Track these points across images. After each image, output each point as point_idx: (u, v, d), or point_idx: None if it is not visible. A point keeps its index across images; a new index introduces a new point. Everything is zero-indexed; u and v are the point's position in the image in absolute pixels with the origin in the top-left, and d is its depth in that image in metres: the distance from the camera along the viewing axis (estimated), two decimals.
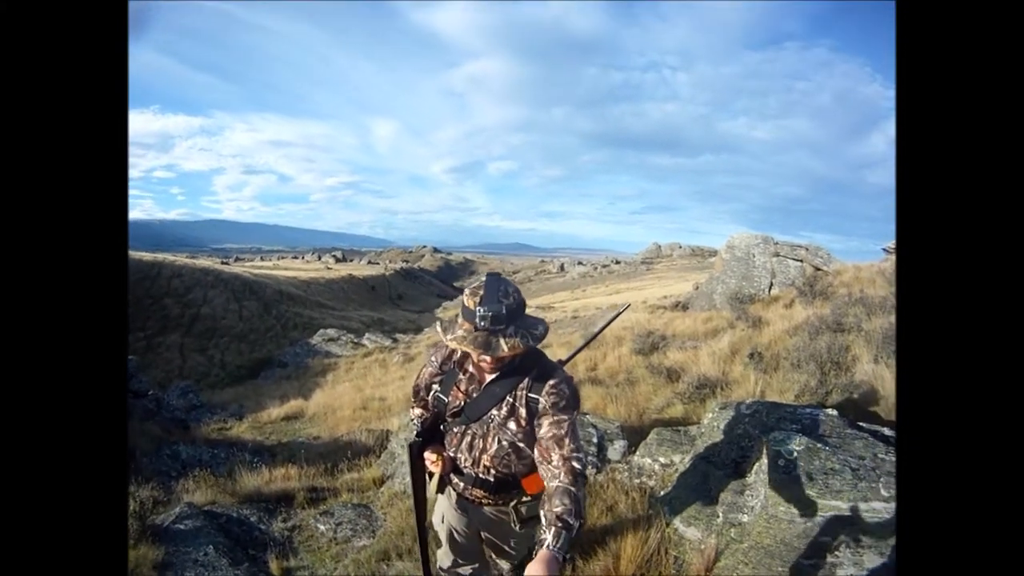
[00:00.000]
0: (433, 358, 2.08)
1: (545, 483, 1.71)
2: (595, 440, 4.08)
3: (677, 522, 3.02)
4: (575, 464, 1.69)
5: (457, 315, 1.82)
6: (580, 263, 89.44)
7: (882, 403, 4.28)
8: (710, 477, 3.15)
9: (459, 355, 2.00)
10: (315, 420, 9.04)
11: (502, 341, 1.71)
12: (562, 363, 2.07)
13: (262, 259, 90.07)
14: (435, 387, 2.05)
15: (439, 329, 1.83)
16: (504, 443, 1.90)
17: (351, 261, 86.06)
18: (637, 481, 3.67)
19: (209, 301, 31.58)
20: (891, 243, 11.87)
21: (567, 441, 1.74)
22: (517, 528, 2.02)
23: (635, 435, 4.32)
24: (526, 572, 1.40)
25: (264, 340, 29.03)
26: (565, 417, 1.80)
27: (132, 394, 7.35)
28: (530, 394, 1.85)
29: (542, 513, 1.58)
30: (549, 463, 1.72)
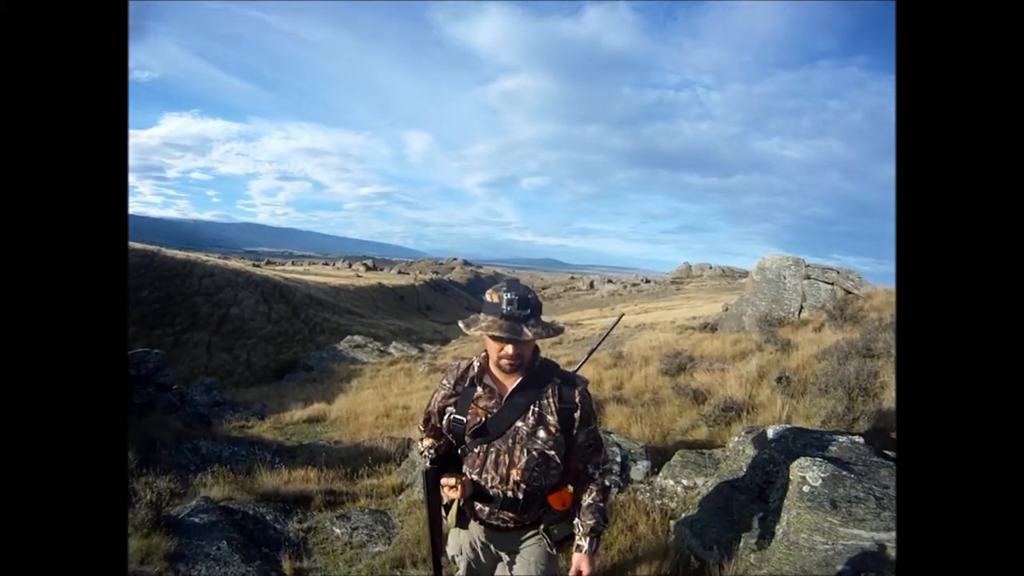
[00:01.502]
0: (445, 380, 2.07)
1: (578, 492, 2.01)
2: (619, 459, 4.07)
3: (697, 545, 2.99)
4: (606, 482, 2.00)
5: (478, 313, 1.91)
6: (610, 281, 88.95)
7: None
8: (733, 501, 3.13)
9: (475, 371, 1.99)
10: (337, 424, 9.08)
11: (525, 328, 1.80)
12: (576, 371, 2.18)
13: (293, 263, 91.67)
14: (450, 410, 2.02)
15: (462, 325, 1.90)
16: (534, 454, 1.90)
17: (381, 270, 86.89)
18: (659, 502, 3.65)
19: (239, 301, 32.11)
20: None
21: (602, 451, 2.02)
22: (552, 551, 2.04)
23: (659, 456, 4.31)
24: (574, 566, 1.89)
25: (291, 343, 29.44)
26: (596, 425, 2.01)
27: (156, 387, 7.51)
28: (561, 402, 1.93)
29: (577, 523, 1.97)
30: (584, 472, 2.00)
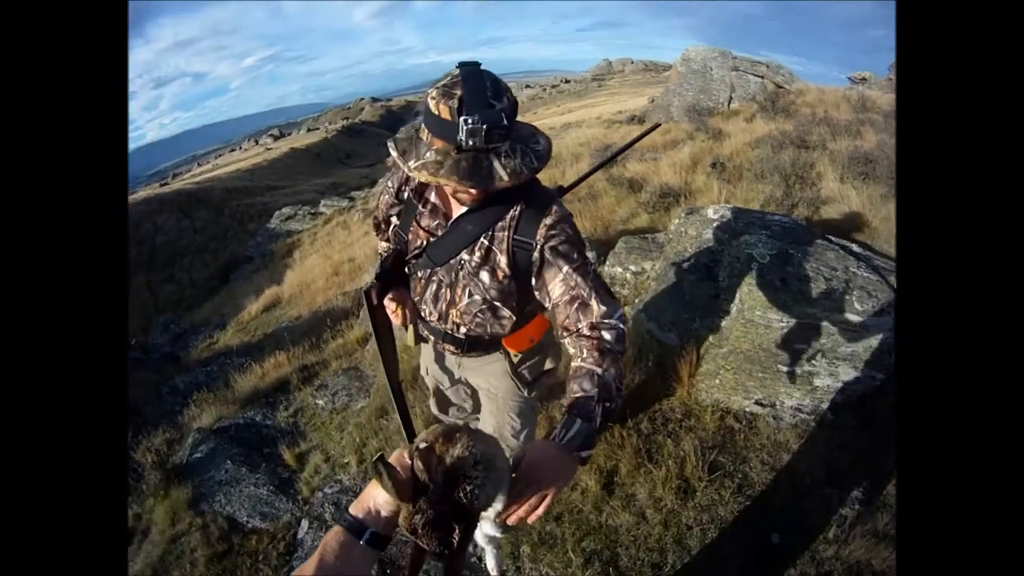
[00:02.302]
0: (389, 182, 1.60)
1: (572, 359, 1.27)
2: None
3: (655, 328, 3.04)
4: (605, 335, 1.23)
5: (417, 130, 1.26)
6: (528, 86, 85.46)
7: (850, 221, 4.28)
8: (683, 282, 3.11)
9: (415, 181, 1.49)
10: (293, 301, 9.02)
11: (498, 165, 1.18)
12: (563, 191, 1.58)
13: (199, 165, 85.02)
14: (394, 220, 1.59)
15: (394, 152, 1.27)
16: (476, 297, 1.46)
17: (290, 135, 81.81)
18: (612, 291, 3.68)
19: (160, 228, 29.86)
20: (857, 73, 11.41)
21: (594, 302, 1.27)
22: (526, 393, 1.68)
23: (603, 247, 4.29)
24: (527, 457, 1.02)
25: (225, 242, 28.09)
26: (580, 265, 1.31)
27: None
28: (517, 236, 1.35)
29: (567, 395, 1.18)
30: (574, 334, 1.27)
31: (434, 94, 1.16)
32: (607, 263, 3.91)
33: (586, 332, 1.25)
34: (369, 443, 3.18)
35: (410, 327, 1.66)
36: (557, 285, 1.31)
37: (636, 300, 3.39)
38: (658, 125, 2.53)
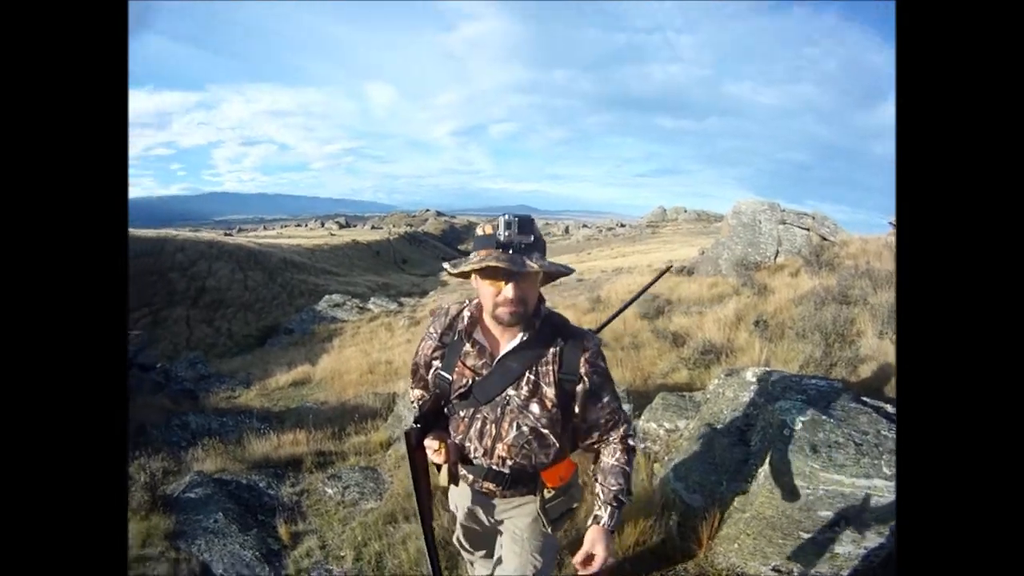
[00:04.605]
0: (432, 328, 1.74)
1: (601, 458, 1.71)
2: None
3: (681, 488, 3.02)
4: (631, 443, 1.70)
5: (468, 254, 1.55)
6: (585, 226, 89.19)
7: (887, 379, 4.27)
8: (715, 444, 3.13)
9: (465, 323, 1.66)
10: (322, 385, 9.10)
11: (528, 260, 1.44)
12: (595, 331, 1.78)
13: (265, 228, 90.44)
14: (436, 363, 1.72)
15: (447, 266, 1.59)
16: (524, 429, 1.61)
17: (354, 227, 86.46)
18: (642, 446, 3.67)
19: (214, 273, 31.59)
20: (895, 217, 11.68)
21: (622, 423, 1.70)
22: (548, 530, 1.76)
23: (640, 399, 4.31)
24: (584, 548, 1.54)
25: (270, 308, 29.15)
26: (612, 394, 1.67)
27: (139, 367, 7.45)
28: (562, 371, 1.59)
29: (598, 488, 1.66)
30: (607, 444, 1.70)
31: (484, 222, 1.52)
32: (643, 418, 3.91)
33: (616, 441, 1.69)
34: (371, 544, 3.10)
35: (444, 467, 1.72)
36: (596, 411, 1.65)
37: (666, 458, 3.38)
38: (670, 267, 3.12)
